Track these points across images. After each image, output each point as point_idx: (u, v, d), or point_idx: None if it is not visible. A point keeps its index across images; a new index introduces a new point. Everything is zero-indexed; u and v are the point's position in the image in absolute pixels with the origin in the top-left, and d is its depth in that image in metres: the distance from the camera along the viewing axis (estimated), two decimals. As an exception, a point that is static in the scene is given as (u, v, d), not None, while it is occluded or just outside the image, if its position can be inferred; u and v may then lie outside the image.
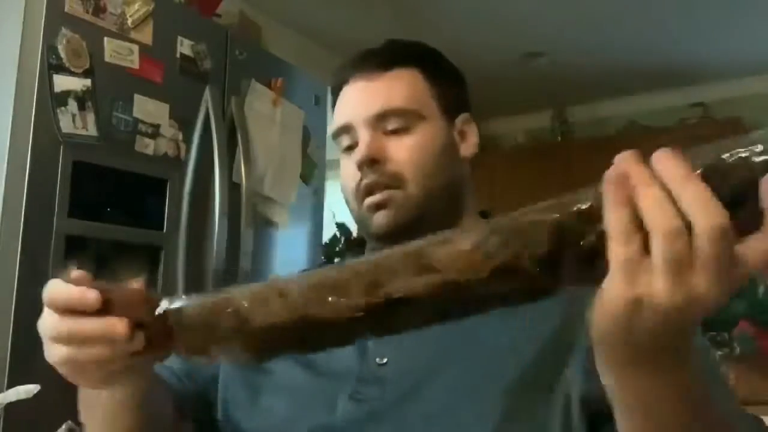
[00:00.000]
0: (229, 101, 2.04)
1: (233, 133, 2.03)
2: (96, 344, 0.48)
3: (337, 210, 3.68)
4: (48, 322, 0.49)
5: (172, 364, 0.78)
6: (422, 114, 0.77)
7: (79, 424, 0.67)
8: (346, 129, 0.79)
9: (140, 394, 0.59)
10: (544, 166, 4.03)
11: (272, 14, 3.01)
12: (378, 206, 0.75)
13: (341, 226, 3.48)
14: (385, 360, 0.72)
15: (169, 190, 1.86)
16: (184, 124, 1.91)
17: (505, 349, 0.68)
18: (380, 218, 0.75)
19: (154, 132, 1.82)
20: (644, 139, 3.89)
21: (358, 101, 0.79)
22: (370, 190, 0.75)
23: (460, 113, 0.82)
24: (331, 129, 0.83)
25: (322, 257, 2.51)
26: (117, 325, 0.47)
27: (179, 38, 1.91)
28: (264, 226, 2.14)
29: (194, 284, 1.88)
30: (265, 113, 2.18)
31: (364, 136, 0.76)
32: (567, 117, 4.31)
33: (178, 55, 1.91)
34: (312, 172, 2.38)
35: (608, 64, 3.68)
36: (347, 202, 0.81)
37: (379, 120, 0.76)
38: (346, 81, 0.81)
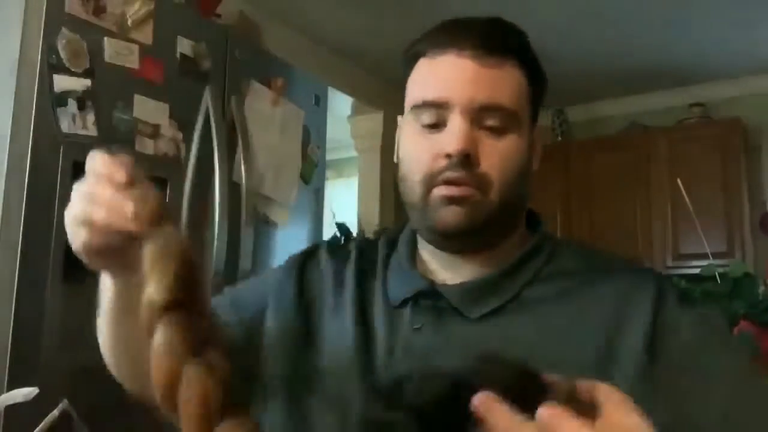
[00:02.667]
0: (229, 101, 2.04)
1: (233, 133, 2.03)
2: (108, 211, 0.55)
3: (337, 210, 3.69)
4: (83, 186, 0.58)
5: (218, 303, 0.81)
6: (520, 118, 0.70)
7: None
8: (438, 105, 0.70)
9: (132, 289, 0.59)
10: (544, 166, 3.99)
11: (272, 14, 3.01)
12: (453, 200, 0.68)
13: (341, 226, 3.48)
14: (419, 325, 0.70)
15: (169, 190, 1.86)
16: (184, 124, 1.91)
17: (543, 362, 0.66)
18: (451, 214, 0.68)
19: (154, 132, 1.82)
20: (644, 139, 3.90)
21: (464, 82, 0.69)
22: (450, 182, 0.68)
23: (536, 122, 0.76)
24: (413, 97, 0.73)
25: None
26: (126, 204, 0.54)
27: (179, 38, 1.91)
28: (264, 226, 2.14)
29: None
30: (265, 113, 2.18)
31: (461, 124, 0.68)
32: (567, 117, 4.31)
33: (178, 55, 1.91)
34: (312, 172, 2.38)
35: (608, 64, 3.68)
36: (406, 181, 0.72)
37: (479, 112, 0.68)
38: (445, 49, 0.71)
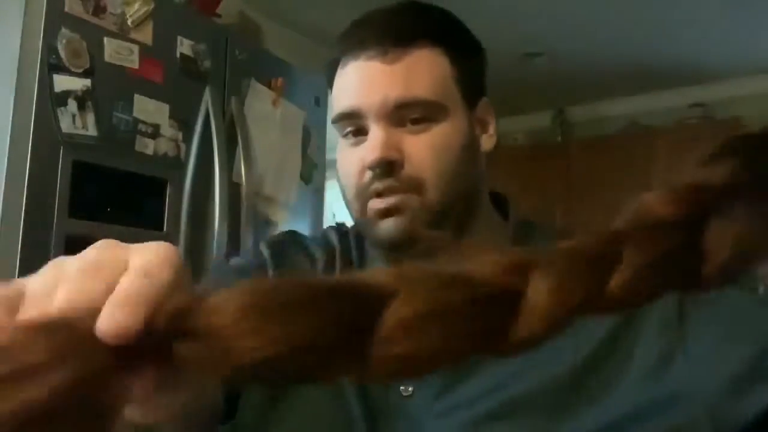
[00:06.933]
0: (229, 101, 2.04)
1: (233, 133, 2.03)
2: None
3: (337, 210, 3.69)
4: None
5: None
6: (446, 106, 0.65)
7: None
8: (351, 115, 0.66)
9: None
10: (544, 166, 4.03)
11: (272, 14, 3.00)
12: (388, 212, 0.63)
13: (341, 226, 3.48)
14: (410, 390, 0.61)
15: (169, 190, 1.86)
16: (184, 124, 1.91)
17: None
18: (390, 226, 0.64)
19: (154, 132, 1.82)
20: (644, 139, 3.90)
21: (371, 85, 0.64)
22: (379, 194, 0.64)
23: (480, 97, 0.70)
24: (333, 112, 0.69)
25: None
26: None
27: (179, 38, 1.91)
28: (264, 226, 2.14)
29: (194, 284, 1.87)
30: (265, 113, 2.18)
31: (377, 131, 0.64)
32: (567, 117, 4.31)
33: (178, 55, 1.91)
34: (312, 172, 2.38)
35: (608, 64, 3.67)
36: (345, 197, 0.69)
37: (396, 112, 0.64)
38: (352, 53, 0.67)
